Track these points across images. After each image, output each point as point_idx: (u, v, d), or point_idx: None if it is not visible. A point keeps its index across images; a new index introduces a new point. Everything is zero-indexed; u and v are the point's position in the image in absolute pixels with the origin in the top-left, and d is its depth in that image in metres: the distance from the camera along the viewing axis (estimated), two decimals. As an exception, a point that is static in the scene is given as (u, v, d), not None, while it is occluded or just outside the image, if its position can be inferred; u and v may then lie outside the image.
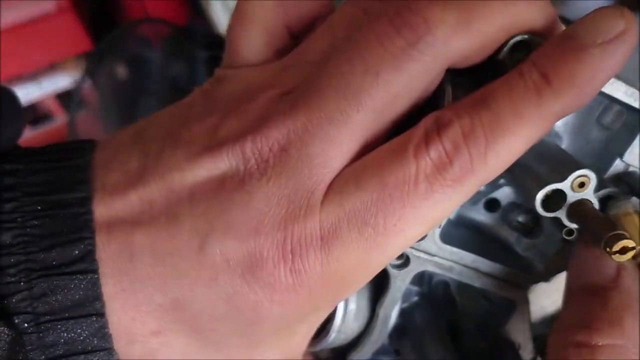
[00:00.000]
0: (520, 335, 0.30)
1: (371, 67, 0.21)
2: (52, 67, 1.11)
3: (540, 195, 0.24)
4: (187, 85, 1.10)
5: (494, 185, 0.29)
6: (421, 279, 0.31)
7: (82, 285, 0.21)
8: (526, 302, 0.30)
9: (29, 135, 1.16)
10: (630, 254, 0.22)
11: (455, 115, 0.21)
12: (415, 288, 0.32)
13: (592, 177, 0.23)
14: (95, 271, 0.21)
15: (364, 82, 0.21)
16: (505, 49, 0.23)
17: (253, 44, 0.25)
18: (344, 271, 0.22)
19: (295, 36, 0.26)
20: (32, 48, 1.06)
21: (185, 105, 0.25)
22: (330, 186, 0.22)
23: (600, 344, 0.23)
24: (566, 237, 0.25)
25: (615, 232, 0.22)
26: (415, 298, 0.32)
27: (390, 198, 0.21)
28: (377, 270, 0.23)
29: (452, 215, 0.30)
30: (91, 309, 0.21)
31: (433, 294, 0.32)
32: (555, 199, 0.24)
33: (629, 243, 0.22)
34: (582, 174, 0.23)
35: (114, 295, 0.22)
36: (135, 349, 0.22)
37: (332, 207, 0.21)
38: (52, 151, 0.24)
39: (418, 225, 0.22)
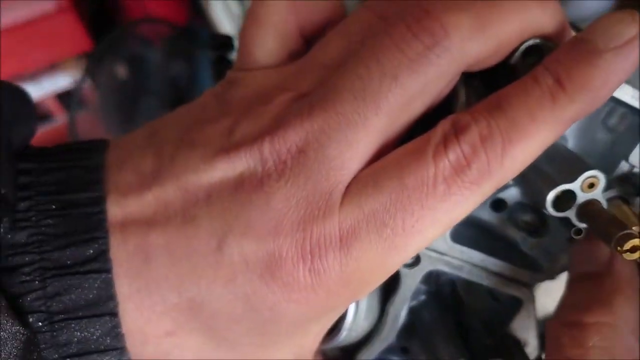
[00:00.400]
0: (526, 333, 0.30)
1: (389, 71, 0.22)
2: (52, 67, 1.11)
3: (551, 196, 0.24)
4: (187, 85, 1.10)
5: (502, 185, 0.29)
6: (429, 277, 0.31)
7: (96, 285, 0.21)
8: (532, 300, 0.30)
9: (29, 135, 1.16)
10: None
11: (472, 119, 0.21)
12: (423, 287, 0.32)
13: (601, 178, 0.24)
14: (108, 271, 0.21)
15: (382, 86, 0.22)
16: (518, 53, 0.23)
17: (266, 46, 0.25)
18: (362, 272, 0.22)
19: (307, 39, 0.26)
20: (32, 48, 1.06)
21: (198, 107, 0.25)
22: (349, 188, 0.22)
23: (589, 322, 0.24)
24: (575, 237, 0.25)
25: (625, 232, 0.22)
26: (423, 297, 0.32)
27: (409, 199, 0.21)
28: (394, 270, 0.23)
29: None
30: (104, 308, 0.21)
31: (440, 292, 0.32)
32: (565, 199, 0.24)
33: (639, 242, 0.22)
34: (592, 174, 0.24)
35: (129, 296, 0.22)
36: (148, 349, 0.22)
37: (351, 209, 0.22)
38: (65, 150, 0.24)
39: (436, 227, 0.22)
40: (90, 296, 0.21)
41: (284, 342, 0.24)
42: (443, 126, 0.22)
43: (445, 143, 0.21)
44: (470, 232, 0.29)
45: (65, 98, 1.14)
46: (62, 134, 1.14)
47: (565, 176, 0.24)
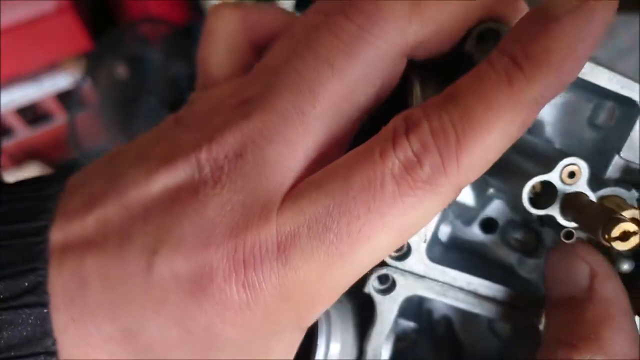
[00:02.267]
0: None
1: (323, 58, 0.20)
2: (52, 67, 1.11)
3: (526, 189, 0.21)
4: (187, 85, 1.10)
5: (484, 198, 0.27)
6: (419, 313, 0.29)
7: (30, 321, 0.19)
8: (536, 329, 0.26)
9: (29, 135, 1.16)
10: (633, 241, 0.19)
11: (423, 114, 0.19)
12: (411, 324, 0.29)
13: (582, 166, 0.21)
14: (44, 305, 0.20)
15: (318, 74, 0.20)
16: (471, 38, 0.22)
17: (220, 62, 0.25)
18: (304, 285, 0.20)
19: (262, 52, 0.25)
20: (32, 48, 1.05)
21: (158, 130, 0.24)
22: (291, 191, 0.20)
23: None
24: (565, 240, 0.23)
25: (614, 216, 0.19)
26: (413, 335, 0.29)
27: (355, 201, 0.19)
28: (343, 286, 0.21)
29: (444, 238, 0.27)
30: (39, 347, 0.19)
31: (434, 331, 0.29)
32: (545, 195, 0.22)
33: (630, 227, 0.19)
34: (570, 162, 0.21)
35: (64, 327, 0.20)
36: None
37: (291, 213, 0.20)
38: (29, 182, 0.23)
39: (386, 233, 0.20)
40: (24, 333, 0.19)
41: None
42: (394, 123, 0.20)
43: (394, 140, 0.19)
44: (456, 256, 0.27)
45: (65, 98, 1.14)
46: (62, 134, 1.14)
47: (542, 168, 0.21)
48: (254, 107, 0.21)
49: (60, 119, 1.16)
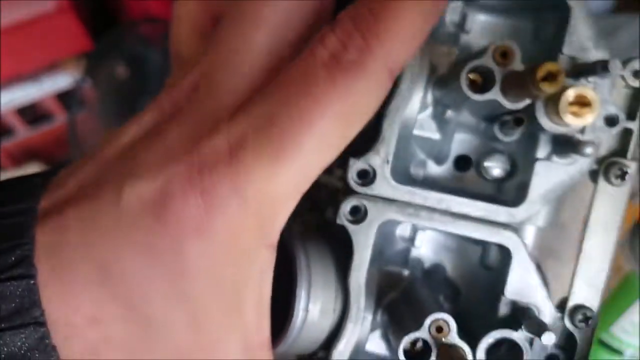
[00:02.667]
0: (533, 297, 0.26)
1: None
2: (52, 67, 1.11)
3: (464, 74, 0.23)
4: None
5: (445, 126, 0.27)
6: (406, 259, 0.29)
7: (18, 292, 0.20)
8: (522, 246, 0.26)
9: (29, 135, 1.16)
10: (560, 80, 0.20)
11: (345, 12, 0.22)
12: (404, 272, 0.29)
13: (513, 46, 0.23)
14: (31, 276, 0.20)
15: (255, 5, 0.23)
16: None
17: (189, 43, 0.27)
18: (259, 186, 0.21)
19: None
20: (32, 48, 1.06)
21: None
22: (240, 106, 0.22)
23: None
24: (517, 126, 0.25)
25: (538, 63, 0.20)
26: (404, 283, 0.28)
27: (292, 94, 0.21)
28: (298, 183, 0.22)
29: (420, 179, 0.28)
30: (28, 317, 0.20)
31: (427, 278, 0.29)
32: (486, 83, 0.23)
33: (553, 67, 0.20)
34: (500, 44, 0.23)
35: (47, 279, 0.21)
36: (74, 343, 0.21)
37: (238, 120, 0.21)
38: (20, 176, 0.25)
39: (327, 119, 0.21)
40: (13, 305, 0.20)
41: (217, 318, 0.22)
42: (323, 29, 0.22)
43: (321, 37, 0.22)
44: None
45: (65, 98, 1.14)
46: (62, 134, 1.14)
47: (473, 55, 0.23)
48: (207, 50, 0.24)
49: (60, 119, 1.16)
